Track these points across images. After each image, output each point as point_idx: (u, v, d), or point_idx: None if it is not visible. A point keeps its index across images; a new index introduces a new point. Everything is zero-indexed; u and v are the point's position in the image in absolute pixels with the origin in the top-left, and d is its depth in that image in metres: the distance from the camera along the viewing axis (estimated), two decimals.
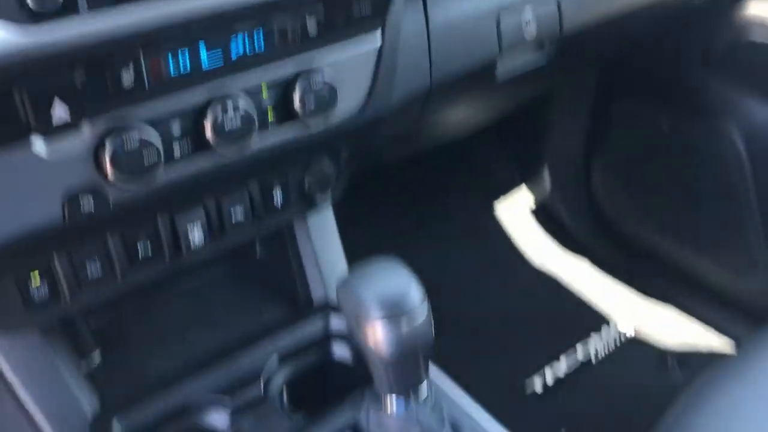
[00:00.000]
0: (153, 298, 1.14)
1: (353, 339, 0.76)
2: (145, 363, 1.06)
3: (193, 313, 1.14)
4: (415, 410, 0.77)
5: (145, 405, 0.95)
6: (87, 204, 0.75)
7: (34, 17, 0.65)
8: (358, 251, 1.23)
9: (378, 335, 0.73)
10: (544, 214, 2.12)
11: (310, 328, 1.07)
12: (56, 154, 0.71)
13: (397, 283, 0.74)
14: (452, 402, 0.90)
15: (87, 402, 0.96)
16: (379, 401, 0.79)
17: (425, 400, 0.78)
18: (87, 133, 0.72)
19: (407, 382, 0.77)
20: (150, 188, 0.78)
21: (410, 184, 1.96)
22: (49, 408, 0.93)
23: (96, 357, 1.06)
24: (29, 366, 0.92)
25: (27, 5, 0.64)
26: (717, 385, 1.08)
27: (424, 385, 0.79)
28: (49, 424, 0.93)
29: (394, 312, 0.72)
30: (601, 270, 1.97)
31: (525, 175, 2.11)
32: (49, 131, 0.70)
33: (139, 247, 0.87)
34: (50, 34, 0.66)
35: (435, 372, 0.94)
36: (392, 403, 0.78)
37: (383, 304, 0.72)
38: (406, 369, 0.76)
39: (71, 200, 0.74)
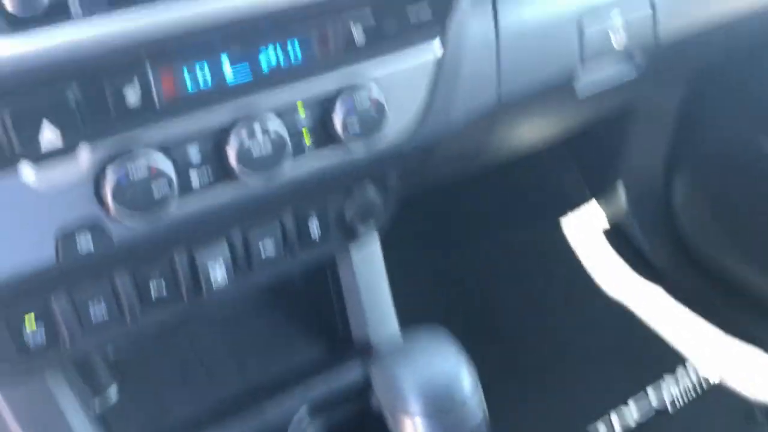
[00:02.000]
0: (177, 329, 1.03)
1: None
2: (165, 403, 0.96)
3: (221, 346, 1.03)
4: None
5: None
6: (85, 242, 0.64)
7: (16, 25, 0.53)
8: (408, 283, 1.10)
9: None
10: (617, 236, 1.93)
11: (348, 375, 0.95)
12: (47, 183, 0.60)
13: (443, 368, 0.59)
14: None
15: None
16: None
17: None
18: (84, 160, 0.61)
19: None
20: (161, 224, 0.66)
21: (467, 203, 1.80)
22: None
23: (112, 394, 0.96)
24: (30, 410, 0.82)
25: (6, 11, 0.52)
26: None
27: None
28: None
29: (439, 407, 0.58)
30: (678, 300, 1.78)
31: (597, 193, 1.92)
32: (39, 157, 0.59)
33: (152, 287, 0.75)
34: (35, 43, 0.54)
35: None
36: None
37: (426, 397, 0.58)
38: None
39: (66, 237, 0.63)
